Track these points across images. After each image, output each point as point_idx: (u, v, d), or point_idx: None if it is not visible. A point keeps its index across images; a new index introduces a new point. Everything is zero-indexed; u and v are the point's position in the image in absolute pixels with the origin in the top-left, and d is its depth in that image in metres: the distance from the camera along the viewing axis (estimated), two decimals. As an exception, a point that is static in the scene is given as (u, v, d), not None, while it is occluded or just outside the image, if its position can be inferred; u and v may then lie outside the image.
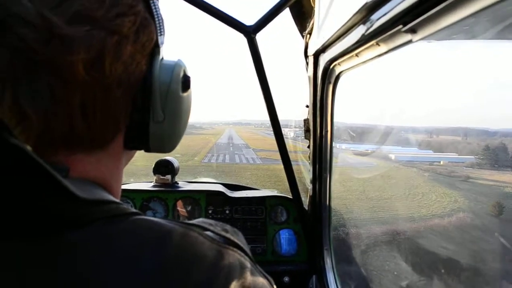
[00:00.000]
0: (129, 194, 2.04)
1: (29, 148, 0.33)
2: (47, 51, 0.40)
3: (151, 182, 2.14)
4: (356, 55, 1.15)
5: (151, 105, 0.51)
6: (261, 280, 0.49)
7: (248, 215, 2.08)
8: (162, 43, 0.54)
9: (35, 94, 0.40)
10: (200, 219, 0.53)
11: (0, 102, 0.40)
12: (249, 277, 0.46)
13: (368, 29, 0.95)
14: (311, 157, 1.75)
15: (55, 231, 0.39)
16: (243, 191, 2.20)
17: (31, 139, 0.41)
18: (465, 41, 0.84)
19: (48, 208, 0.38)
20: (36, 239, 0.39)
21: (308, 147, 1.76)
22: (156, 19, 0.52)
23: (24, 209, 0.37)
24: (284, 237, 2.07)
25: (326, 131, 1.61)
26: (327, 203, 1.76)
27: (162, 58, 0.54)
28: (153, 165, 2.10)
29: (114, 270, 0.39)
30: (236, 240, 0.51)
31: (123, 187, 2.02)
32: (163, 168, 2.10)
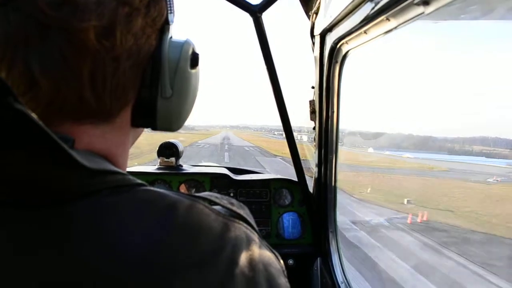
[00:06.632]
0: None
1: (34, 115, 0.32)
2: (59, 16, 0.40)
3: (155, 165, 2.14)
4: (365, 32, 1.13)
5: (160, 80, 0.52)
6: (267, 253, 0.48)
7: (253, 198, 2.08)
8: (172, 21, 0.53)
9: (46, 58, 0.40)
10: (207, 193, 0.52)
11: (11, 67, 0.40)
12: (256, 250, 0.46)
13: (377, 3, 0.92)
14: (316, 139, 1.74)
15: (59, 201, 0.38)
16: (247, 175, 2.20)
17: (39, 108, 0.41)
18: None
19: (52, 177, 0.37)
20: (39, 208, 0.38)
21: (314, 128, 1.75)
22: None
23: (27, 177, 0.36)
24: (289, 220, 2.07)
25: (332, 112, 1.59)
26: (333, 185, 1.76)
27: (172, 37, 0.54)
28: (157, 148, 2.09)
29: (117, 238, 0.38)
30: (242, 214, 0.51)
31: (127, 169, 2.03)
32: (167, 151, 2.09)
